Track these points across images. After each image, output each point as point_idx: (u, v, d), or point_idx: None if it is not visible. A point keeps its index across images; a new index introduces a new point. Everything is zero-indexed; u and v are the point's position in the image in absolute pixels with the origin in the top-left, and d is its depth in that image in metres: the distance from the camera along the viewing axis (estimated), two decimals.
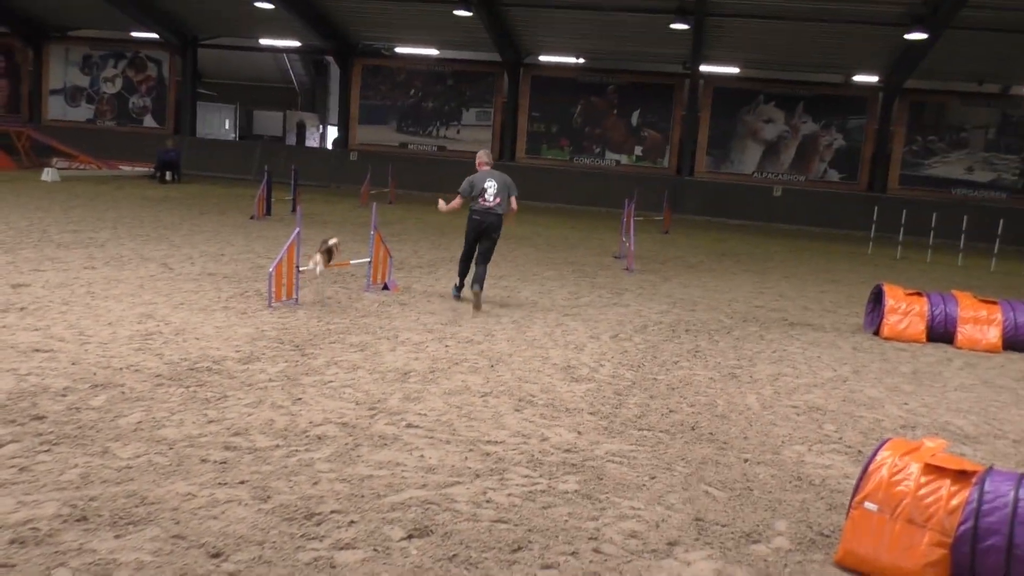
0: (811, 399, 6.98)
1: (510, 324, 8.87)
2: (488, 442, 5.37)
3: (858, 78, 23.98)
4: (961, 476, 4.02)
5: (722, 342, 8.83)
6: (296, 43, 29.73)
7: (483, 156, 9.83)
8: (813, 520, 4.62)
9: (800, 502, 4.85)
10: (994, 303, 9.72)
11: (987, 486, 3.97)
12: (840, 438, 6.04)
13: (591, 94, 26.30)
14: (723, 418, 6.30)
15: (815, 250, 18.50)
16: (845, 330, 9.96)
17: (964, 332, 9.46)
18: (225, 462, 4.74)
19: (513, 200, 9.66)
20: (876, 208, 19.76)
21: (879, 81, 23.77)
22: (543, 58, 26.69)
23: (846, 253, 18.44)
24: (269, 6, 24.29)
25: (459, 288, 9.92)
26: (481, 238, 9.52)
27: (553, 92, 26.68)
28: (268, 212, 17.11)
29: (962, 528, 3.89)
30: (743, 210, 24.15)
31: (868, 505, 4.10)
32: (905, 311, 9.68)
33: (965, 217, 18.92)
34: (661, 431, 5.88)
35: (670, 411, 6.35)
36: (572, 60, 26.39)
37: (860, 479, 4.19)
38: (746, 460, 5.46)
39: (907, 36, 20.12)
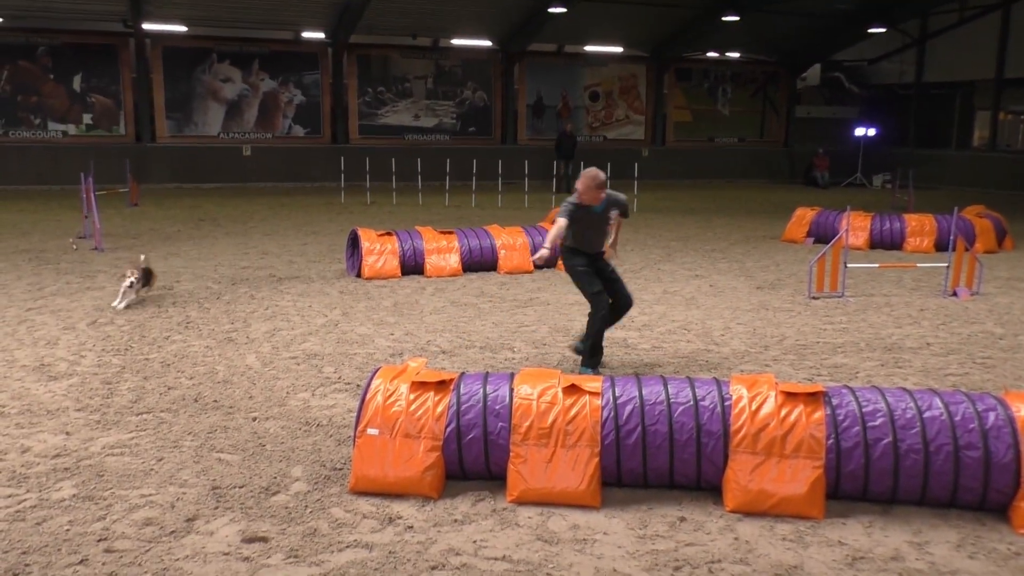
0: (308, 347, 7.24)
1: None
2: None
3: (306, 34, 24.72)
4: (441, 386, 4.56)
5: (213, 308, 8.65)
6: None
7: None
8: (326, 459, 4.86)
9: (312, 445, 5.06)
10: (451, 233, 11.02)
11: (462, 389, 4.57)
12: (340, 378, 6.40)
13: (19, 58, 23.01)
14: (226, 383, 6.22)
15: (293, 205, 18.93)
16: (331, 277, 10.45)
17: (431, 262, 10.59)
18: None
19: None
20: (342, 159, 20.85)
21: (326, 37, 24.82)
22: None
23: (322, 205, 19.19)
24: None
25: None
26: None
27: None
28: None
29: (449, 429, 4.44)
30: (215, 173, 23.58)
31: (370, 431, 4.44)
32: (380, 251, 10.48)
33: (419, 160, 20.96)
34: (162, 411, 5.61)
35: (169, 388, 6.08)
36: None
37: (360, 410, 4.52)
38: (255, 419, 5.49)
39: None
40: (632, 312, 8.72)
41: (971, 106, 28.20)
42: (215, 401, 5.81)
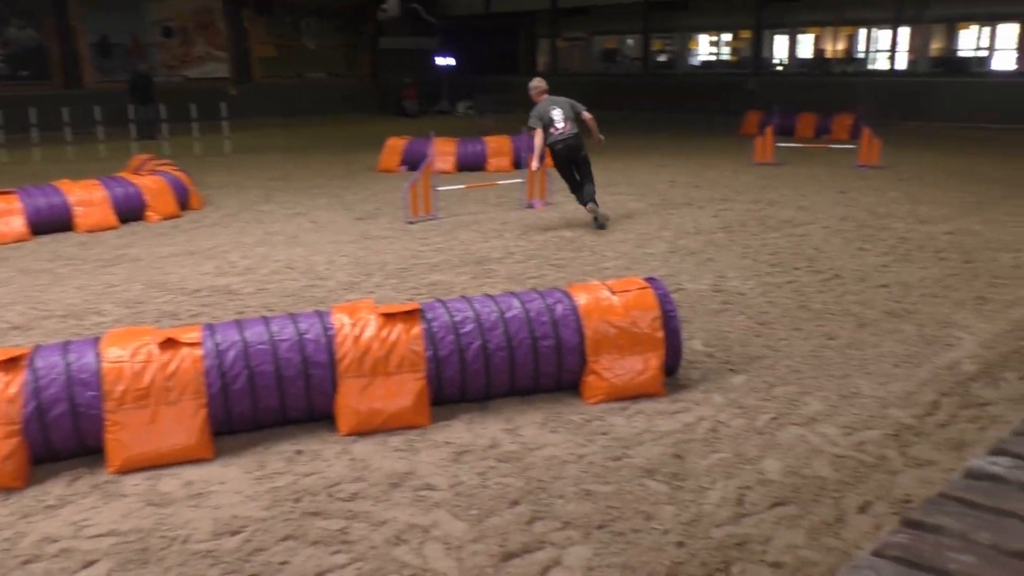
0: None
1: None
2: None
3: None
4: (10, 364, 4.04)
5: None
6: None
7: (540, 84, 9.34)
8: None
9: None
10: (11, 193, 9.65)
11: (38, 363, 4.10)
12: None
13: None
14: None
15: None
16: None
17: None
18: None
19: (585, 114, 9.10)
20: None
21: None
22: None
23: None
24: None
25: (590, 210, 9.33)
26: (573, 164, 9.22)
27: None
28: None
29: (28, 410, 3.98)
30: None
31: None
32: None
33: None
34: None
35: None
36: None
37: None
38: None
39: None
40: (233, 257, 8.46)
41: (534, 35, 31.03)
42: None
